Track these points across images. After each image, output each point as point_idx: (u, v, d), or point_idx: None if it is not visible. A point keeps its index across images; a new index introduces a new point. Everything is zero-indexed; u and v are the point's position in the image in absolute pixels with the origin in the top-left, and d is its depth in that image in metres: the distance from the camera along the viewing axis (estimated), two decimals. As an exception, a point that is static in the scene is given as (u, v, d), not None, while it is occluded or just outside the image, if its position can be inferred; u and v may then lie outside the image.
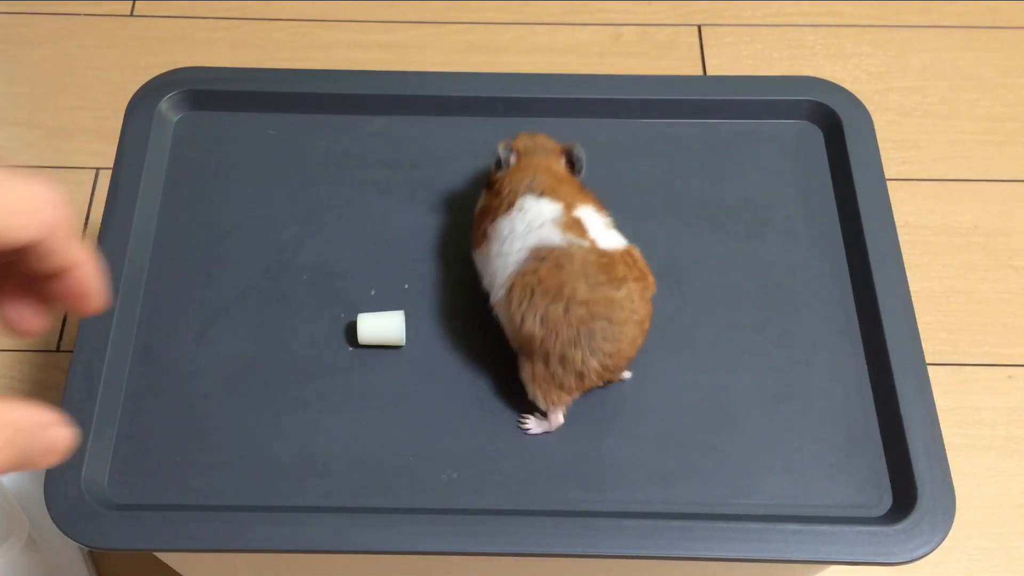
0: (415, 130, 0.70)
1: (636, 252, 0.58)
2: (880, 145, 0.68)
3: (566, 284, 0.54)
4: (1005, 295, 1.02)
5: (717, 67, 1.18)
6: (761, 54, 1.20)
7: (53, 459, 0.32)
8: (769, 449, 0.57)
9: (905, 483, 0.56)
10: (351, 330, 0.61)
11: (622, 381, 0.59)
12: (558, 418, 0.57)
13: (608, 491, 0.56)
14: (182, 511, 0.54)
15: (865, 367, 0.60)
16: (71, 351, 0.59)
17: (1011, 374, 0.98)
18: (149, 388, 0.59)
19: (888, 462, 0.57)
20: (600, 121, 0.70)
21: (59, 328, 0.98)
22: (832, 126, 0.69)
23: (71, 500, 0.54)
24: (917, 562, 0.54)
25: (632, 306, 0.55)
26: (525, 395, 0.57)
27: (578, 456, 0.57)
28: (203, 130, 0.69)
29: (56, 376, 0.96)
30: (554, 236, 0.56)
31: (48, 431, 0.32)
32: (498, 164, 0.61)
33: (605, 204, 0.60)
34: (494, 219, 0.59)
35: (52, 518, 0.53)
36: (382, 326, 0.59)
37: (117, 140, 0.67)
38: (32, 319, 0.36)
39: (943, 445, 0.56)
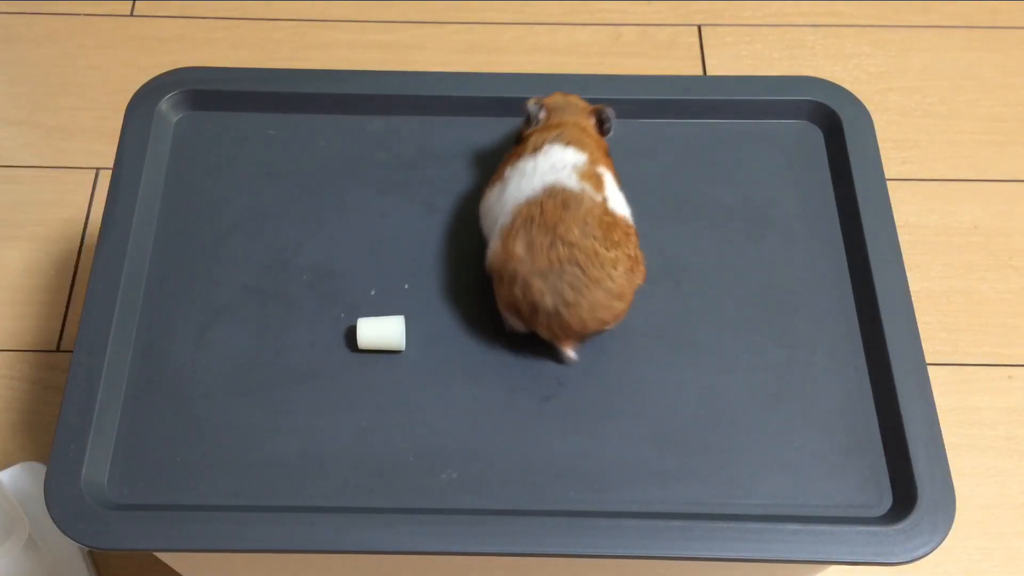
0: (415, 130, 0.70)
1: (635, 236, 0.59)
2: (880, 145, 0.68)
3: (562, 223, 0.56)
4: (1005, 295, 1.02)
5: (717, 67, 1.18)
6: (761, 54, 1.20)
7: None
8: (769, 449, 0.57)
9: (905, 483, 0.56)
10: (351, 330, 0.61)
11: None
12: (569, 354, 0.58)
13: (608, 491, 0.56)
14: (182, 511, 0.54)
15: (865, 367, 0.60)
16: (71, 351, 0.59)
17: (1011, 374, 0.98)
18: (149, 388, 0.59)
19: (888, 462, 0.57)
20: (600, 121, 0.70)
21: (59, 328, 0.98)
22: (832, 126, 0.69)
23: (71, 500, 0.54)
24: (917, 562, 0.54)
25: (612, 272, 0.56)
26: (526, 394, 0.57)
27: (578, 456, 0.57)
28: (203, 130, 0.69)
29: (56, 376, 0.96)
30: (571, 181, 0.57)
31: None
32: (527, 121, 0.62)
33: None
34: (516, 160, 0.60)
35: (52, 518, 0.53)
36: (382, 332, 0.59)
37: (117, 140, 0.67)
38: None
39: (943, 445, 0.57)
